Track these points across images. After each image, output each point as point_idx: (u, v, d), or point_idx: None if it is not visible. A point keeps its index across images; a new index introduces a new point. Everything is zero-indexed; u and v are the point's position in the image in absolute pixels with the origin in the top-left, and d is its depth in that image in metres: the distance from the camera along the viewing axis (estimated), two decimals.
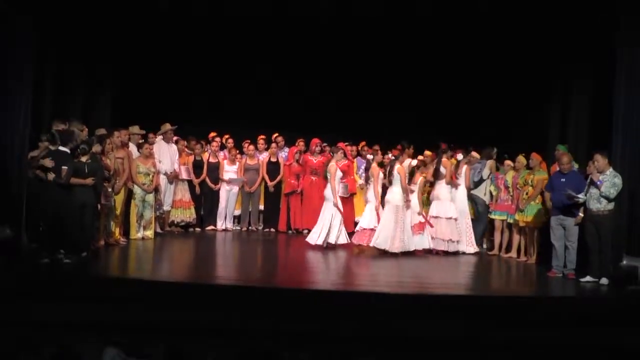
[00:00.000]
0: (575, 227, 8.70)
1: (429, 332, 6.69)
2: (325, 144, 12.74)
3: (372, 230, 10.12)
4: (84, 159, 8.62)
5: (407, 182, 10.08)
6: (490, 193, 10.62)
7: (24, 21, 8.38)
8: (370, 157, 11.21)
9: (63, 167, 8.33)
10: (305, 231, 12.17)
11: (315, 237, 10.46)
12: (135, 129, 10.89)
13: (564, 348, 6.57)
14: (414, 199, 10.23)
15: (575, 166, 9.36)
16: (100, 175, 8.88)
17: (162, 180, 11.32)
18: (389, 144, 12.44)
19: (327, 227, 10.40)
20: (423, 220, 10.18)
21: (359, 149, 12.79)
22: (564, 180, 8.78)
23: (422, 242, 10.22)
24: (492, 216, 10.52)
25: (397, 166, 10.00)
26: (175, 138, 11.89)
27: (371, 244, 10.01)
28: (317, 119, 13.09)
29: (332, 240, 10.36)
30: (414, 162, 10.45)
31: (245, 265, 9.47)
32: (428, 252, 10.31)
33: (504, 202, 10.42)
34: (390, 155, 11.33)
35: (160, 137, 11.58)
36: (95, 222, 9.13)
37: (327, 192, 10.57)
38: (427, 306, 7.14)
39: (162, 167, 11.26)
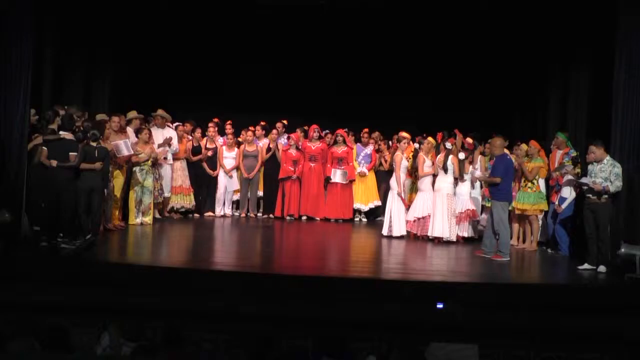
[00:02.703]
0: (498, 212, 8.92)
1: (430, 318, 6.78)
2: (327, 131, 12.77)
3: (423, 218, 10.27)
4: (94, 144, 8.74)
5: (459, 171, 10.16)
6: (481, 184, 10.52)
7: (21, 4, 8.36)
8: (416, 145, 11.14)
9: (71, 153, 8.41)
10: (304, 218, 12.30)
11: (386, 228, 10.58)
12: (132, 114, 10.81)
13: (559, 335, 6.61)
14: (466, 187, 10.24)
15: (574, 153, 9.38)
16: (107, 161, 8.99)
17: (166, 167, 11.32)
18: (390, 128, 12.54)
19: (388, 217, 10.56)
20: (472, 208, 10.22)
21: (361, 135, 12.80)
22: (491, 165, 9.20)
23: (462, 230, 10.32)
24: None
25: (451, 156, 10.03)
26: (175, 124, 11.85)
27: (429, 234, 10.16)
28: (316, 104, 13.13)
29: (396, 232, 10.43)
30: (462, 155, 10.35)
31: (244, 251, 9.45)
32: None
33: None
34: (416, 144, 11.29)
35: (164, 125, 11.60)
36: (102, 206, 9.21)
37: (392, 181, 10.64)
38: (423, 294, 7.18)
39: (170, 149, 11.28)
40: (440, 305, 6.78)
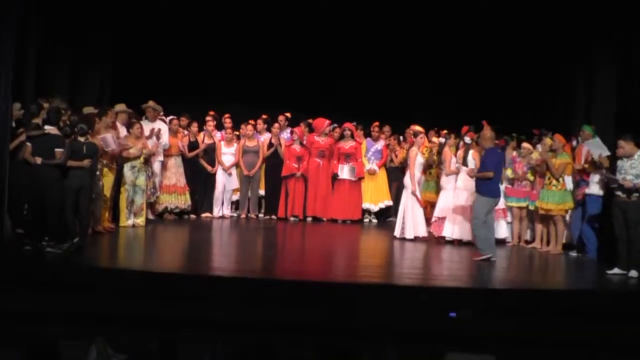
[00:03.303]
0: (477, 208, 9.01)
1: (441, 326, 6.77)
2: (334, 125, 12.79)
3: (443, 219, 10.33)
4: (82, 139, 8.69)
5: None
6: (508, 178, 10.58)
7: None
8: (441, 139, 11.17)
9: (57, 149, 8.38)
10: (309, 219, 12.39)
11: (398, 230, 10.59)
12: (120, 106, 10.80)
13: (585, 345, 6.61)
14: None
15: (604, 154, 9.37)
16: (97, 158, 8.99)
17: (156, 163, 11.34)
18: (402, 122, 12.58)
19: (401, 218, 10.55)
20: (502, 207, 10.29)
21: (371, 129, 12.87)
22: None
23: (499, 229, 10.36)
24: (509, 203, 10.52)
25: (471, 151, 10.07)
26: (170, 117, 11.89)
27: (446, 234, 10.23)
28: (322, 96, 13.35)
29: (409, 235, 10.44)
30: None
31: (244, 255, 9.49)
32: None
33: (522, 188, 10.42)
34: (441, 139, 11.36)
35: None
36: (91, 206, 9.23)
37: (406, 179, 10.59)
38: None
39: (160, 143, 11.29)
40: (453, 314, 6.79)
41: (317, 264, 8.98)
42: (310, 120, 12.82)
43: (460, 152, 10.31)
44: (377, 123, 12.86)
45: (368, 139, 12.87)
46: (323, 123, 12.50)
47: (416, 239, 10.44)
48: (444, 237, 10.38)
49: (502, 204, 10.36)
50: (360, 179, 12.53)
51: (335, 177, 12.55)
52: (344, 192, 12.51)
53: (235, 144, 12.52)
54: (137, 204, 10.64)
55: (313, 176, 12.47)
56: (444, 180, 10.57)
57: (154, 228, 10.84)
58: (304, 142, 12.56)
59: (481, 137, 9.46)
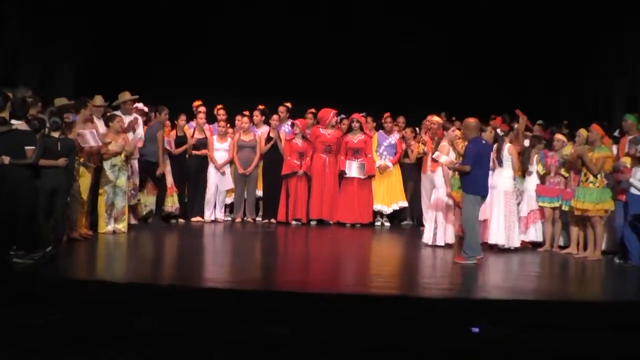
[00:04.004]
0: (465, 207, 9.16)
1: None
2: (342, 116, 12.85)
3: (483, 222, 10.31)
4: (55, 134, 8.61)
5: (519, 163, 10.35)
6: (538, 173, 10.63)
7: None
8: (501, 132, 10.79)
9: (27, 147, 8.27)
10: (314, 223, 12.51)
11: (428, 235, 10.58)
12: (98, 99, 10.84)
13: None
14: (532, 183, 10.49)
15: None
16: (73, 156, 8.93)
17: (135, 161, 11.39)
18: (418, 112, 12.67)
19: (432, 222, 10.50)
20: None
21: (382, 120, 12.90)
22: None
23: (531, 233, 10.50)
24: (541, 203, 10.54)
25: (507, 145, 10.14)
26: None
27: (485, 240, 10.20)
28: (327, 83, 13.37)
29: (441, 241, 10.41)
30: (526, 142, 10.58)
31: (240, 264, 9.48)
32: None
33: (555, 186, 10.45)
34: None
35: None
36: (67, 210, 9.24)
37: (437, 179, 10.58)
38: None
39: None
40: (475, 329, 6.78)
41: (323, 274, 8.97)
42: (313, 111, 12.92)
43: (495, 146, 10.30)
44: (389, 114, 12.85)
45: (380, 131, 12.88)
46: (328, 113, 12.55)
47: (447, 246, 10.44)
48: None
49: (534, 204, 10.42)
50: (371, 177, 12.57)
51: (342, 175, 12.59)
52: (352, 192, 12.54)
53: (230, 139, 12.52)
54: (117, 208, 10.64)
55: (318, 174, 12.52)
56: (495, 179, 10.42)
57: (137, 234, 10.85)
58: (307, 136, 12.57)
59: (464, 125, 9.49)
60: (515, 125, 11.06)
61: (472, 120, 9.39)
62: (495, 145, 10.27)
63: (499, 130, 10.27)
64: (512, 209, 10.18)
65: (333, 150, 12.54)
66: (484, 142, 9.46)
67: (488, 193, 9.49)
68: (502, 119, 10.68)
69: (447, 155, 10.20)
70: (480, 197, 9.27)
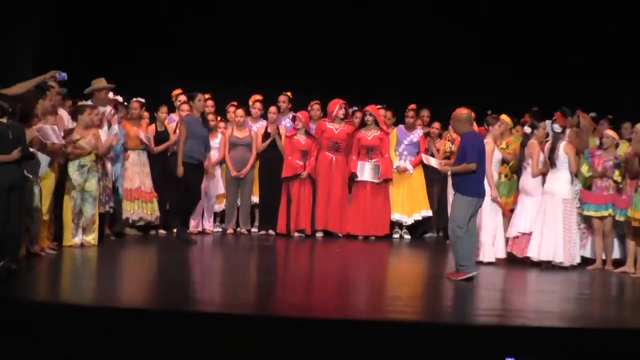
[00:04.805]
0: (460, 210, 9.14)
1: None
2: (354, 108, 13.03)
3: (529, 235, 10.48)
4: (4, 119, 8.48)
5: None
6: (583, 177, 10.76)
7: None
8: (527, 129, 11.09)
9: None
10: (320, 234, 12.68)
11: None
12: (100, 82, 11.03)
13: None
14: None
15: None
16: (26, 145, 8.70)
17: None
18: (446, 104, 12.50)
19: (481, 236, 10.41)
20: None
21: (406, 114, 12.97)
22: None
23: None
24: (586, 212, 10.62)
25: (563, 143, 10.26)
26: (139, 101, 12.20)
27: (532, 255, 10.37)
28: (335, 70, 13.50)
29: (488, 257, 10.43)
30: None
31: (232, 284, 9.43)
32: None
33: (602, 191, 10.51)
34: (527, 127, 11.34)
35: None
36: (25, 220, 9.16)
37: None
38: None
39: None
40: None
41: (331, 296, 8.92)
42: (318, 102, 13.03)
43: (548, 145, 10.40)
44: (412, 106, 12.92)
45: (400, 126, 12.98)
46: (335, 105, 12.65)
47: (493, 264, 10.50)
48: (528, 258, 10.49)
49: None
50: (388, 181, 12.70)
51: (353, 178, 12.69)
52: (365, 198, 12.67)
53: (220, 135, 12.59)
54: (86, 216, 10.64)
55: (324, 177, 12.65)
56: (527, 183, 10.68)
57: (109, 248, 10.85)
58: (312, 132, 12.65)
59: (453, 117, 9.54)
60: (582, 120, 11.16)
61: (464, 112, 9.45)
62: (548, 144, 10.35)
63: (556, 127, 10.35)
64: (571, 219, 10.28)
65: (342, 148, 12.64)
66: (478, 134, 9.65)
67: (485, 195, 9.54)
68: (562, 112, 10.64)
69: (492, 153, 10.32)
70: (476, 200, 9.32)
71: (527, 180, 10.63)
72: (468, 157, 9.19)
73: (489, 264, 10.40)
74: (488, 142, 10.41)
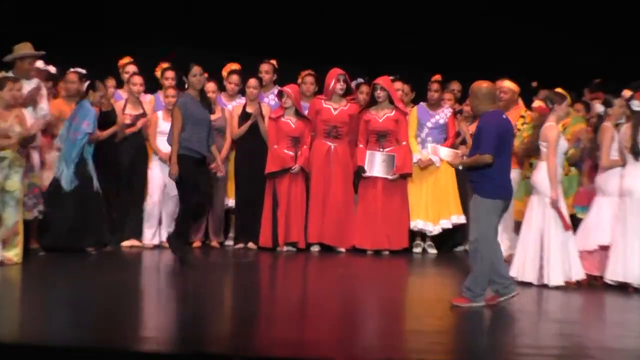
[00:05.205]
0: (479, 216, 9.23)
1: None
2: (359, 80, 13.21)
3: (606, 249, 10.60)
4: None
5: None
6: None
7: None
8: (599, 108, 11.20)
9: None
10: (316, 248, 12.78)
11: (519, 270, 10.65)
12: (25, 47, 11.27)
13: None
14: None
15: None
16: None
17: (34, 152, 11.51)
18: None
19: (537, 250, 10.57)
20: None
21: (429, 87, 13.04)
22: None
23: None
24: None
25: None
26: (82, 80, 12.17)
27: (610, 276, 10.47)
28: (336, 35, 13.91)
29: (556, 279, 10.45)
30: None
31: (200, 315, 9.38)
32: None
33: None
34: (600, 106, 11.39)
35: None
36: None
37: (537, 178, 10.66)
38: None
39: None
40: None
41: (330, 331, 8.88)
42: (311, 72, 13.16)
43: (626, 130, 10.46)
44: (437, 77, 13.00)
45: (421, 104, 13.05)
46: (332, 76, 12.73)
47: (562, 288, 10.51)
48: (601, 278, 10.64)
49: None
50: (406, 176, 12.72)
51: (360, 173, 12.71)
52: (376, 200, 12.70)
53: None
54: (7, 224, 10.73)
55: (321, 172, 12.72)
56: (600, 179, 10.79)
57: (37, 267, 10.92)
58: (304, 112, 12.70)
59: (471, 92, 9.50)
60: None
61: (484, 85, 9.36)
62: (624, 128, 10.44)
63: (635, 103, 10.43)
64: None
65: (343, 134, 12.71)
66: (504, 117, 9.49)
67: (512, 195, 9.56)
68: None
69: (556, 141, 10.35)
70: (501, 203, 9.26)
71: (603, 175, 10.73)
72: (482, 146, 9.13)
73: (561, 287, 10.49)
74: (551, 126, 10.51)
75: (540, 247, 10.57)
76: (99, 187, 11.91)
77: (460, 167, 9.86)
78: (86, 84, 11.92)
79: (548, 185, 10.44)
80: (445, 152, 9.94)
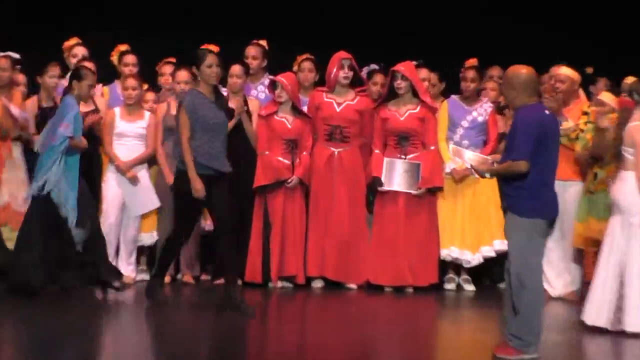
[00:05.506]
0: (516, 243, 9.04)
1: None
2: (373, 66, 13.04)
3: None
4: None
5: None
6: None
7: None
8: None
9: None
10: (318, 283, 12.67)
11: (588, 312, 10.60)
12: None
13: None
14: None
15: None
16: None
17: None
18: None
19: (615, 288, 10.42)
20: None
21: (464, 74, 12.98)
22: None
23: None
24: None
25: None
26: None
27: None
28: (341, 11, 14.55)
29: (632, 325, 10.26)
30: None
31: None
32: None
33: None
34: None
35: None
36: None
37: (623, 193, 10.50)
38: None
39: None
40: None
41: None
42: (308, 56, 13.10)
43: None
44: (472, 61, 12.89)
45: (453, 98, 12.89)
46: (334, 61, 12.63)
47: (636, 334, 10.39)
48: None
49: None
50: (435, 191, 12.51)
51: (375, 187, 12.51)
52: (397, 222, 12.49)
53: (147, 115, 12.64)
54: None
55: (321, 185, 12.60)
56: None
57: None
58: (304, 107, 12.60)
59: (504, 81, 9.43)
60: None
61: (523, 71, 9.10)
62: None
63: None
64: None
65: (351, 135, 12.55)
66: (547, 112, 9.23)
67: (557, 213, 9.30)
68: None
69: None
70: (543, 223, 8.99)
71: None
72: (516, 149, 8.82)
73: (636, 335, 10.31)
74: (639, 126, 10.39)
75: (619, 283, 10.40)
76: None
77: (488, 176, 9.55)
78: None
79: (636, 203, 10.32)
80: (470, 156, 9.82)
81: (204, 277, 12.72)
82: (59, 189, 11.40)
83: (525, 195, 8.85)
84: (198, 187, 10.67)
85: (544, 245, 9.11)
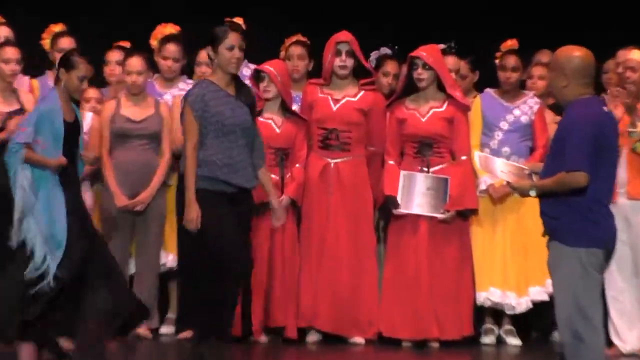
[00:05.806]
0: (564, 277, 8.55)
1: None
2: (385, 50, 12.85)
3: None
4: None
5: None
6: None
7: None
8: None
9: None
10: (314, 337, 12.26)
11: None
12: None
13: None
14: None
15: None
16: None
17: None
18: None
19: None
20: None
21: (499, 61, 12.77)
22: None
23: None
24: None
25: None
26: None
27: None
28: None
29: None
30: None
31: None
32: None
33: None
34: None
35: None
36: None
37: None
38: None
39: None
40: None
41: None
42: (303, 39, 13.11)
43: None
44: (511, 42, 12.77)
45: (488, 92, 12.63)
46: (330, 44, 12.46)
47: None
48: None
49: None
50: (468, 215, 12.14)
51: (388, 208, 12.20)
52: (417, 254, 12.07)
53: (90, 115, 12.48)
54: None
55: (314, 205, 12.30)
56: None
57: None
58: (291, 105, 12.38)
59: (552, 66, 8.92)
60: None
61: (576, 54, 8.60)
62: None
63: None
64: None
65: (353, 141, 12.23)
66: (605, 109, 8.75)
67: (616, 239, 8.79)
68: None
69: None
70: (601, 253, 8.42)
71: None
72: (569, 157, 8.20)
73: None
74: None
75: None
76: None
77: (533, 194, 8.59)
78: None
79: None
80: (503, 167, 9.26)
81: (164, 329, 12.37)
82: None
83: (577, 217, 8.28)
84: (192, 216, 10.17)
85: (601, 283, 8.58)
